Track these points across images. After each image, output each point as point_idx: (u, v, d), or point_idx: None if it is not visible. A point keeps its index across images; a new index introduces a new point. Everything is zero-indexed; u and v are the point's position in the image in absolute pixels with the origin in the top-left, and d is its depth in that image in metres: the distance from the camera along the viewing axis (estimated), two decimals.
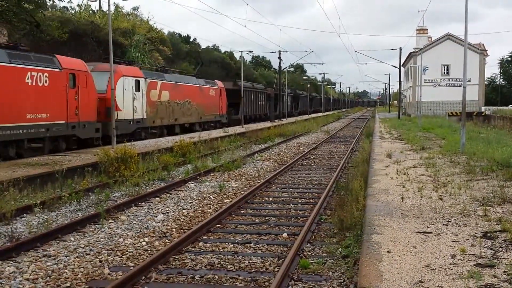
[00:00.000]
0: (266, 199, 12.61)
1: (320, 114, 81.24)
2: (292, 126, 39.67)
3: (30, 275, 6.99)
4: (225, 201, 12.29)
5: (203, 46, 76.93)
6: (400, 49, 54.95)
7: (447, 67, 61.93)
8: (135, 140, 23.50)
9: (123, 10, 46.63)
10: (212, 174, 16.50)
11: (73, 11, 43.47)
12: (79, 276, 7.01)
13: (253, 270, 7.31)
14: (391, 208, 8.95)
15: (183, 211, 11.10)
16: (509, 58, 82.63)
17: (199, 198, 12.53)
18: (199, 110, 32.94)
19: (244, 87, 42.91)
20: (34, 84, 17.01)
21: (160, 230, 9.50)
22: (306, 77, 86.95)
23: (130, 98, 23.89)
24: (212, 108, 35.59)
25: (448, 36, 61.67)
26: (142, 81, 25.27)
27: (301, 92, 78.34)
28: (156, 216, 10.51)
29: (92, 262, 7.58)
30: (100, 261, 7.65)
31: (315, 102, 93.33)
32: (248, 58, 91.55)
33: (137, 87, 24.70)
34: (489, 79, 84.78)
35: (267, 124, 43.69)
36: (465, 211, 8.58)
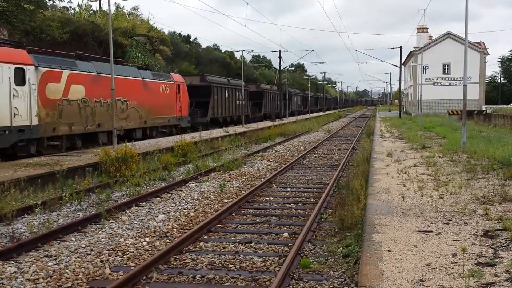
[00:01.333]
0: (267, 198, 12.61)
1: (320, 113, 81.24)
2: (293, 126, 39.65)
3: (31, 276, 6.99)
4: (226, 200, 12.29)
5: (204, 45, 77.00)
6: (401, 48, 54.94)
7: (447, 66, 61.88)
8: (18, 158, 17.24)
9: (123, 10, 46.64)
10: (212, 173, 16.50)
11: (73, 11, 43.46)
12: (80, 276, 7.02)
13: (254, 269, 7.31)
14: (391, 207, 8.95)
15: (184, 211, 11.11)
16: (510, 57, 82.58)
17: (200, 198, 12.53)
18: (142, 112, 25.26)
19: (214, 83, 37.16)
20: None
21: (161, 230, 9.50)
22: (307, 77, 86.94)
23: (4, 95, 16.67)
24: (164, 109, 28.03)
25: (449, 35, 61.62)
26: (29, 70, 17.80)
27: (293, 90, 72.01)
28: (157, 216, 10.52)
29: (93, 262, 7.58)
30: (101, 261, 7.65)
31: (314, 101, 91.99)
32: (248, 57, 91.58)
33: (20, 79, 17.43)
34: (490, 78, 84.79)
35: (268, 123, 43.64)
36: (466, 210, 8.58)
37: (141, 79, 25.66)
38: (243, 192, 13.25)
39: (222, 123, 39.28)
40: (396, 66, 57.29)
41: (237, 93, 42.61)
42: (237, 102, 42.71)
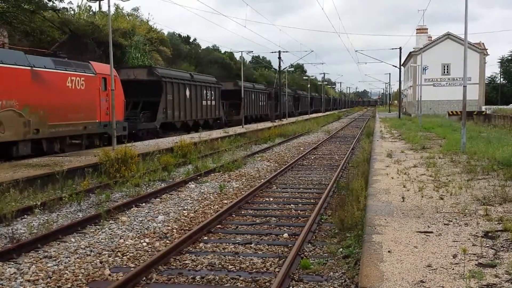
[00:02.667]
0: (267, 199, 12.60)
1: (320, 114, 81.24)
2: (293, 126, 39.65)
3: (31, 276, 6.98)
4: (225, 201, 12.28)
5: (203, 46, 77.00)
6: (400, 48, 54.96)
7: (447, 67, 61.90)
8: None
9: (123, 11, 46.63)
10: (212, 174, 16.49)
11: (73, 12, 43.45)
12: (79, 277, 7.01)
13: (254, 270, 7.30)
14: (392, 208, 8.94)
15: (184, 211, 11.10)
16: (510, 57, 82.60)
17: (200, 199, 12.52)
18: (30, 117, 17.41)
19: (167, 77, 29.14)
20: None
21: (161, 230, 9.49)
22: (306, 77, 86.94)
23: None
24: (75, 112, 19.92)
25: (448, 36, 61.63)
26: None
27: (289, 90, 67.54)
28: (157, 217, 10.50)
29: (92, 263, 7.57)
30: (101, 262, 7.64)
31: (315, 102, 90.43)
32: (248, 58, 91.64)
33: None
34: (490, 78, 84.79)
35: (268, 124, 43.60)
36: (466, 210, 8.57)
37: (28, 68, 17.57)
38: (243, 193, 13.24)
39: (182, 129, 31.35)
40: (395, 66, 57.34)
41: (205, 91, 34.80)
42: (204, 102, 34.69)
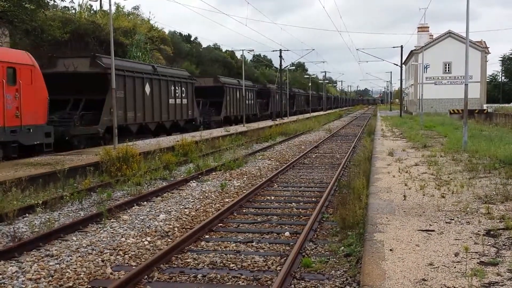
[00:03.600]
0: (268, 198, 12.60)
1: (321, 112, 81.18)
2: (294, 125, 39.64)
3: (32, 275, 6.98)
4: (227, 200, 12.28)
5: (204, 45, 76.97)
6: (402, 47, 55.00)
7: (448, 65, 61.82)
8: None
9: (124, 10, 46.65)
10: (213, 173, 16.49)
11: (74, 11, 43.49)
12: (81, 275, 7.01)
13: (256, 269, 7.30)
14: (393, 206, 8.93)
15: (185, 210, 11.10)
16: (511, 55, 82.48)
17: (201, 197, 12.52)
18: None
19: (117, 69, 21.80)
20: None
21: (162, 229, 9.49)
22: (308, 76, 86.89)
23: None
24: None
25: (450, 34, 61.56)
26: None
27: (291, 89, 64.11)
28: (158, 216, 10.50)
29: (94, 262, 7.57)
30: (103, 261, 7.64)
31: (312, 100, 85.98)
32: (249, 57, 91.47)
33: None
34: (491, 77, 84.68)
35: (269, 122, 43.56)
36: (468, 209, 8.56)
37: None
38: (244, 191, 13.24)
39: (141, 133, 25.73)
40: (397, 65, 57.36)
41: (174, 87, 29.19)
42: (172, 100, 28.81)
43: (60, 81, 20.86)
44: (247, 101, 45.23)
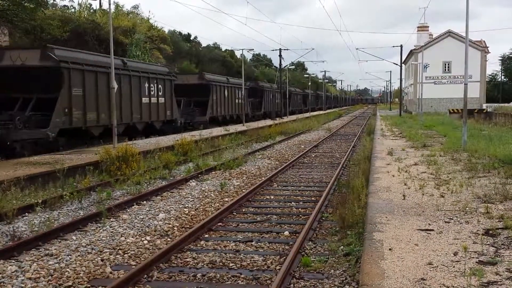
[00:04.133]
0: (268, 197, 12.61)
1: (321, 112, 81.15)
2: (293, 124, 39.65)
3: (32, 274, 6.99)
4: (226, 199, 12.29)
5: (204, 44, 77.02)
6: (401, 46, 55.03)
7: (448, 64, 61.85)
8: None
9: (123, 9, 46.67)
10: (213, 172, 16.50)
11: (73, 10, 43.50)
12: (81, 275, 7.02)
13: (255, 268, 7.31)
14: (392, 205, 8.94)
15: (185, 209, 11.10)
16: (511, 55, 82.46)
17: (201, 197, 12.52)
18: None
19: (73, 62, 19.92)
20: None
21: (162, 228, 9.50)
22: (307, 75, 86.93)
23: None
24: None
25: (449, 33, 61.58)
26: None
27: (268, 85, 55.69)
28: (158, 215, 10.51)
29: (94, 261, 7.58)
30: (102, 260, 7.65)
31: (310, 99, 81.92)
32: (249, 56, 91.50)
33: None
34: (491, 76, 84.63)
35: (269, 122, 43.54)
36: (467, 208, 8.57)
37: None
38: (243, 190, 13.25)
39: (104, 136, 21.35)
40: (396, 64, 57.34)
41: (148, 84, 25.89)
42: (145, 99, 25.54)
43: (6, 76, 19.11)
44: (237, 100, 42.09)
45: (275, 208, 11.31)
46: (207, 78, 35.77)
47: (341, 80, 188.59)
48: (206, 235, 9.09)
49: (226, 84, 39.32)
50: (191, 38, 75.78)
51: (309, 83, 79.53)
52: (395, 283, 5.22)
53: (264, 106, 51.60)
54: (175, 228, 9.59)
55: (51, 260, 7.61)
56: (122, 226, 9.62)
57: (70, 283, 6.73)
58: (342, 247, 7.94)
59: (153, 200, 12.14)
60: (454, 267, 5.69)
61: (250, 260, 7.63)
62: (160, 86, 27.27)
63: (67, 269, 7.21)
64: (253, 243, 8.59)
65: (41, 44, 25.67)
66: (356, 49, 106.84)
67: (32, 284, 6.69)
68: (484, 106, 56.80)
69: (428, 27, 68.55)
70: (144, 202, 11.95)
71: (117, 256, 7.87)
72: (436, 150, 17.54)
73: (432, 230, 7.28)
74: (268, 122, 43.71)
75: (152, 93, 26.28)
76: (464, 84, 18.55)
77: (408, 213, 8.37)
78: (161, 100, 27.52)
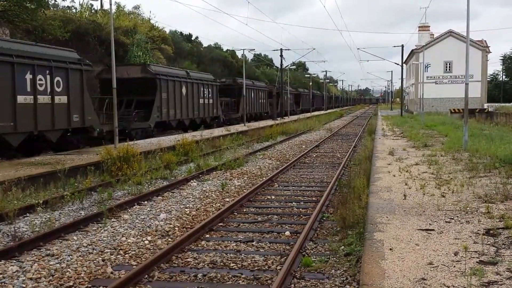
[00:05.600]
0: (269, 197, 12.61)
1: (322, 112, 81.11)
2: (295, 124, 39.65)
3: (33, 274, 7.00)
4: (227, 199, 12.29)
5: (205, 44, 77.01)
6: (402, 46, 54.96)
7: (449, 64, 61.77)
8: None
9: (124, 9, 46.69)
10: (214, 172, 16.50)
11: (74, 10, 43.52)
12: (82, 275, 7.03)
13: (256, 268, 7.31)
14: (393, 205, 8.94)
15: (186, 209, 11.11)
16: None
17: (202, 197, 12.53)
18: None
19: None
20: None
21: (163, 228, 9.51)
22: (308, 75, 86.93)
23: None
24: None
25: (450, 33, 61.49)
26: None
27: (251, 83, 46.95)
28: (159, 215, 10.52)
29: (95, 261, 7.59)
30: (103, 260, 7.66)
31: (303, 99, 74.67)
32: (250, 56, 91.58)
33: None
34: (492, 76, 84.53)
35: (270, 122, 43.51)
36: (468, 208, 8.57)
37: None
38: (244, 190, 13.25)
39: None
40: (397, 64, 57.34)
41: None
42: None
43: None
44: (201, 100, 33.28)
45: (276, 208, 11.31)
46: (153, 70, 27.36)
47: (342, 80, 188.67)
48: (207, 235, 9.10)
49: (185, 79, 30.99)
50: (192, 38, 75.78)
51: (310, 83, 79.52)
52: (396, 283, 5.22)
53: (242, 108, 41.69)
54: (176, 228, 9.59)
55: (52, 260, 7.62)
56: (123, 226, 9.63)
57: (71, 283, 6.74)
58: (342, 247, 7.95)
59: (154, 200, 12.15)
60: (454, 267, 5.69)
61: (251, 260, 7.63)
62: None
63: (68, 269, 7.22)
64: (254, 243, 8.59)
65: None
66: (357, 49, 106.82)
67: (33, 284, 6.70)
68: (485, 106, 56.71)
69: (429, 27, 68.44)
70: (145, 202, 11.96)
71: (118, 256, 7.88)
72: (437, 150, 17.54)
73: (433, 230, 7.28)
74: (269, 122, 43.67)
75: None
76: (465, 84, 18.54)
77: (409, 213, 8.37)
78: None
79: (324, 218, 10.14)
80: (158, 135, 27.83)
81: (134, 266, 7.31)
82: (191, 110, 31.61)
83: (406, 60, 68.12)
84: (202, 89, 33.39)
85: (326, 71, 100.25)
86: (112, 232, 9.25)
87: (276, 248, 8.32)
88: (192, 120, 32.02)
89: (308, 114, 64.84)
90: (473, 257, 6.00)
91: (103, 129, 21.81)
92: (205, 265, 7.44)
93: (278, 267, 7.27)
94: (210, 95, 34.82)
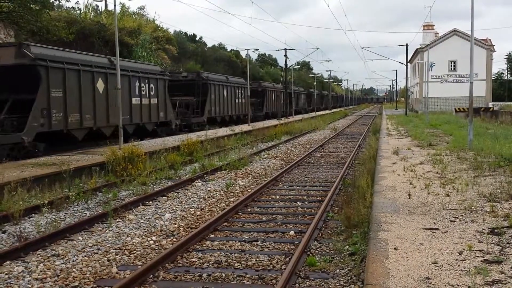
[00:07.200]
0: (273, 197, 12.62)
1: (327, 111, 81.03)
2: (299, 124, 39.62)
3: (38, 275, 7.03)
4: (232, 199, 12.31)
5: (209, 44, 77.08)
6: (407, 45, 54.81)
7: (454, 63, 61.63)
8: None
9: (129, 10, 46.79)
10: (219, 172, 16.52)
11: (79, 11, 43.65)
12: (87, 275, 7.06)
13: (260, 268, 7.32)
14: (398, 205, 8.94)
15: (190, 209, 11.13)
16: None
17: (206, 197, 12.55)
18: None
19: None
20: None
21: (168, 229, 9.53)
22: (313, 75, 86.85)
23: None
24: None
25: (455, 32, 61.34)
26: None
27: (238, 80, 40.16)
28: (164, 215, 10.55)
29: (100, 261, 7.62)
30: (108, 260, 7.68)
31: (296, 99, 66.15)
32: (254, 56, 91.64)
33: None
34: (497, 75, 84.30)
35: (274, 122, 43.51)
36: (472, 207, 8.56)
37: None
38: (249, 190, 13.27)
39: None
40: (402, 63, 57.20)
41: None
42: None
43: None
44: (140, 100, 24.67)
45: (281, 208, 11.32)
46: (33, 53, 17.62)
47: (347, 80, 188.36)
48: (212, 235, 9.12)
49: (101, 69, 21.26)
50: (197, 39, 75.88)
51: (315, 83, 79.44)
52: (400, 282, 5.23)
53: (208, 109, 34.24)
54: (181, 228, 9.62)
55: (57, 261, 7.65)
56: (128, 227, 9.66)
57: (76, 284, 6.76)
58: (347, 246, 7.95)
59: (159, 201, 12.18)
60: (459, 266, 5.69)
61: (256, 260, 7.64)
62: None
63: (74, 270, 7.26)
64: (258, 243, 8.60)
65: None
66: (362, 48, 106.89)
67: (38, 284, 6.74)
68: (490, 104, 56.57)
69: (433, 26, 68.26)
70: (150, 202, 11.99)
71: (123, 256, 7.91)
72: (442, 149, 17.50)
73: (437, 229, 7.27)
74: (274, 122, 43.64)
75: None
76: (470, 82, 18.49)
77: (414, 212, 8.36)
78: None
79: (329, 218, 10.14)
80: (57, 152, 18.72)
81: (139, 266, 7.34)
82: (113, 113, 21.49)
83: (410, 59, 67.99)
84: (142, 84, 24.84)
85: (330, 71, 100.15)
86: (117, 232, 9.29)
87: (281, 248, 8.33)
88: (115, 126, 21.48)
89: (313, 114, 64.73)
90: (478, 256, 6.00)
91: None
92: (210, 265, 7.46)
93: (283, 267, 7.28)
94: (153, 93, 25.94)
